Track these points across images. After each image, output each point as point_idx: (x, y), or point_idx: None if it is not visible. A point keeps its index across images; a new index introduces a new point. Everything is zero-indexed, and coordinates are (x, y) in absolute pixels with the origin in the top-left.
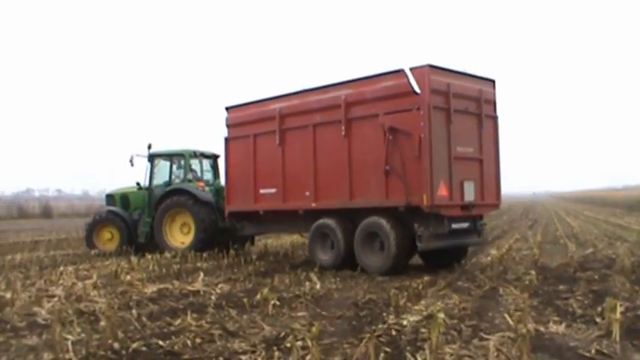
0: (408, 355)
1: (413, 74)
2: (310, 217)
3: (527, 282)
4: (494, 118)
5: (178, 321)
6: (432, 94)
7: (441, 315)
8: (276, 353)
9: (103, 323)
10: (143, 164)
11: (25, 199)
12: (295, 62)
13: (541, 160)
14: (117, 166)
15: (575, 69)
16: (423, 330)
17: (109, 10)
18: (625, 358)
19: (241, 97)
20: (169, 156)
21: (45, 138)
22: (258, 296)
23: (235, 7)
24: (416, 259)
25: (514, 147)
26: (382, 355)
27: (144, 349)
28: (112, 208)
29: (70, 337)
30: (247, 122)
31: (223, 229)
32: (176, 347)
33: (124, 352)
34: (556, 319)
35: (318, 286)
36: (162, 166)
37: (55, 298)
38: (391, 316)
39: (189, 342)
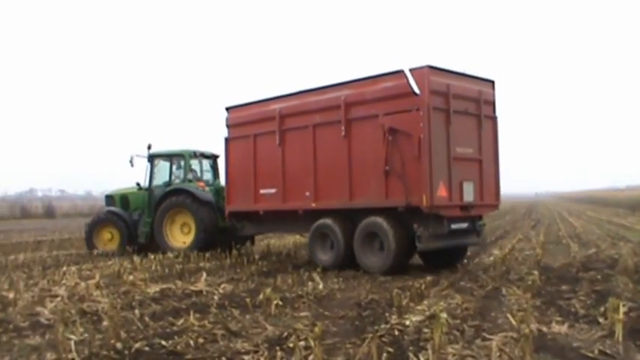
0: (411, 355)
1: (412, 75)
2: (310, 217)
3: (529, 282)
4: (494, 119)
5: (181, 321)
6: (432, 95)
7: (444, 315)
8: (279, 353)
9: (105, 323)
10: (143, 165)
11: (28, 199)
12: (295, 62)
13: (544, 160)
14: (119, 167)
15: (578, 69)
16: (425, 330)
17: (110, 12)
18: (628, 358)
19: (241, 97)
20: (169, 156)
21: (48, 138)
22: (261, 296)
23: (235, 7)
24: (417, 260)
25: (517, 147)
26: (385, 355)
27: (146, 349)
28: (111, 208)
29: (72, 337)
30: (247, 122)
31: (223, 228)
32: (179, 347)
33: (126, 352)
34: (559, 319)
35: (320, 286)
36: (162, 166)
37: (58, 298)
38: (394, 316)
39: (191, 342)
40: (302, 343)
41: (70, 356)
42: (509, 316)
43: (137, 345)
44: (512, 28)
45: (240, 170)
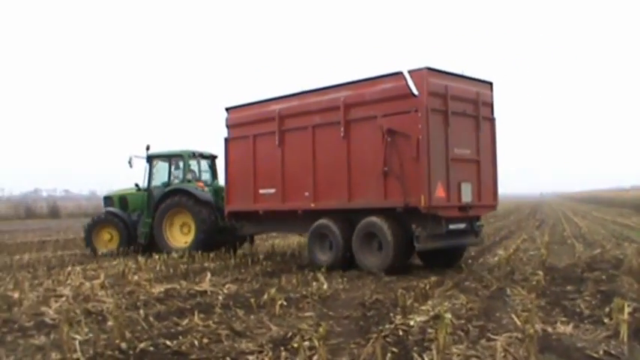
0: (415, 355)
1: (411, 77)
2: (309, 217)
3: (534, 282)
4: (492, 121)
5: (186, 321)
6: (430, 97)
7: (448, 315)
8: (284, 353)
9: (110, 323)
10: (142, 165)
11: (33, 199)
12: (295, 62)
13: (549, 160)
14: (123, 167)
15: (585, 69)
16: (430, 330)
17: (112, 12)
18: (633, 358)
19: (241, 97)
20: (168, 157)
21: (52, 138)
22: (266, 296)
23: (235, 7)
24: (419, 260)
25: (523, 147)
26: (389, 355)
27: (151, 349)
28: (110, 209)
29: (77, 337)
30: (247, 123)
31: (223, 228)
32: (183, 347)
33: (131, 352)
34: (563, 319)
35: (325, 287)
36: (161, 167)
37: (63, 298)
38: (398, 317)
39: (196, 342)
40: (306, 343)
41: (74, 356)
42: (513, 316)
43: (142, 345)
44: (513, 28)
45: (239, 170)
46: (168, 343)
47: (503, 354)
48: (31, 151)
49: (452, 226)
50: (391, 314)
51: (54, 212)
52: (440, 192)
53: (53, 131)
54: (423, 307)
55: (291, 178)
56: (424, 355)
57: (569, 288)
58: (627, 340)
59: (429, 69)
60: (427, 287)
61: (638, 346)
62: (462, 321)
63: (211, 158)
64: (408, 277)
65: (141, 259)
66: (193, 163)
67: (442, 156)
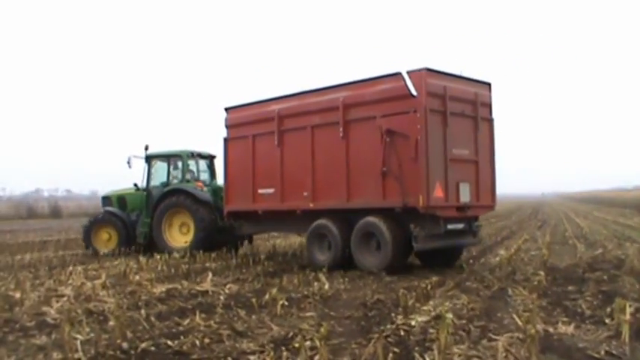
0: (417, 355)
1: (410, 77)
2: (308, 217)
3: (536, 282)
4: (490, 121)
5: (187, 321)
6: (429, 97)
7: (450, 315)
8: (285, 353)
9: (111, 323)
10: (141, 165)
11: (35, 199)
12: (295, 63)
13: (551, 160)
14: (123, 167)
15: (586, 68)
16: (431, 330)
17: (113, 12)
18: (634, 359)
19: (241, 97)
20: (167, 157)
21: (54, 138)
22: (267, 296)
23: (235, 7)
24: (417, 260)
25: (524, 147)
26: (390, 355)
27: (152, 349)
28: (109, 208)
29: (79, 336)
30: (246, 123)
31: (222, 228)
32: (185, 347)
33: (132, 352)
34: (565, 319)
35: (326, 287)
36: (160, 167)
37: (64, 298)
38: (399, 317)
39: (197, 342)
40: (308, 343)
41: (76, 356)
42: (515, 316)
43: (143, 345)
44: (513, 28)
45: (239, 170)
46: (169, 343)
47: (504, 354)
48: (32, 150)
49: (450, 226)
50: (392, 314)
51: (55, 212)
52: (438, 192)
53: (54, 131)
54: (425, 307)
55: (290, 178)
56: (425, 356)
57: (570, 288)
58: (629, 341)
59: (428, 69)
60: (428, 287)
61: (639, 346)
62: (464, 321)
63: (210, 158)
64: (409, 277)
65: (142, 259)
66: (192, 163)
67: (441, 156)
